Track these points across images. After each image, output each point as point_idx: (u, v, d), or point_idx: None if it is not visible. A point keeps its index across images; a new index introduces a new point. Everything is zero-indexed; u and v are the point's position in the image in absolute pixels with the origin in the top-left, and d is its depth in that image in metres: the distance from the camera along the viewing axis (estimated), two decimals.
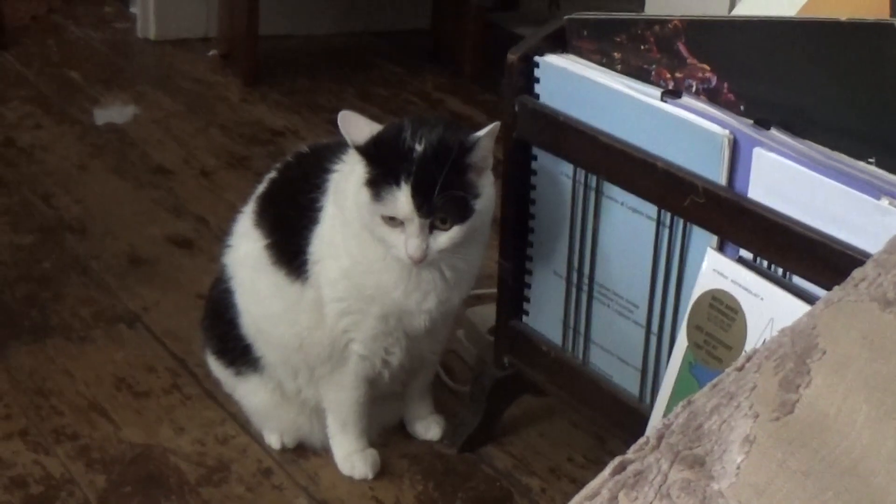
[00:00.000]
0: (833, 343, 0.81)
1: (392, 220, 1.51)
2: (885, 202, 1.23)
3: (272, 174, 1.73)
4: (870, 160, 1.28)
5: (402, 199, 1.49)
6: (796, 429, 0.78)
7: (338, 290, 1.63)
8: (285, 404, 1.77)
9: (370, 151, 1.53)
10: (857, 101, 1.29)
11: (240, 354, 1.75)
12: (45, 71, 3.20)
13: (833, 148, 1.31)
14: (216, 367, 1.81)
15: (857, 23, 1.27)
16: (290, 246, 1.65)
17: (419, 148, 1.52)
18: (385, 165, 1.51)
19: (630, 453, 0.84)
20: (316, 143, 1.75)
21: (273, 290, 1.66)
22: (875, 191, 1.24)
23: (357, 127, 1.54)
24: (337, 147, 1.65)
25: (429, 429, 1.86)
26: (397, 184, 1.49)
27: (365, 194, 1.52)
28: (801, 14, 1.47)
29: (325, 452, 1.79)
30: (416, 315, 1.65)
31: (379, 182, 1.51)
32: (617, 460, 0.84)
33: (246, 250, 1.70)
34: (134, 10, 3.53)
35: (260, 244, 1.67)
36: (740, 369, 0.86)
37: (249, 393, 1.78)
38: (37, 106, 2.98)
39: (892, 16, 1.38)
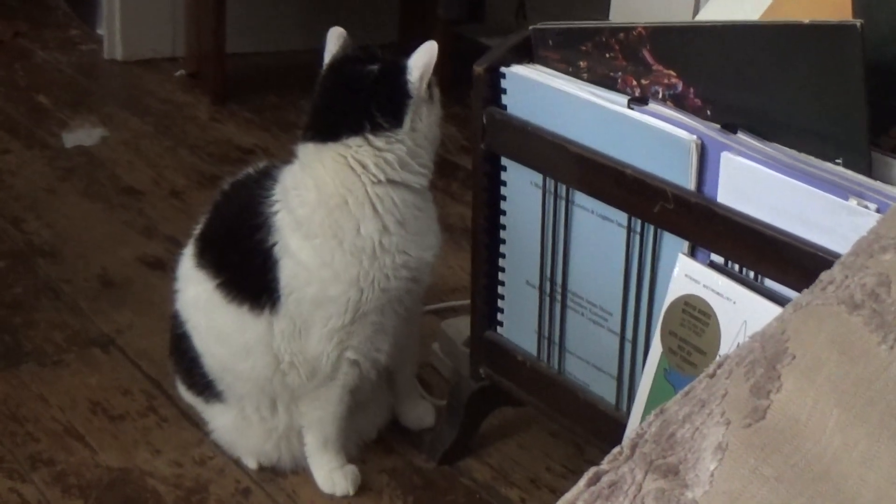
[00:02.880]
0: (802, 348, 0.81)
1: None
2: (853, 202, 1.23)
3: (207, 214, 1.76)
4: (837, 161, 1.29)
5: None
6: (768, 435, 0.78)
7: (339, 306, 1.64)
8: (251, 430, 1.77)
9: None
10: (822, 103, 1.29)
11: (206, 387, 1.78)
12: (12, 95, 3.19)
13: (800, 150, 1.32)
14: (187, 395, 1.84)
15: (819, 25, 1.28)
16: (248, 283, 1.67)
17: None
18: None
19: (604, 464, 0.84)
20: (237, 177, 1.77)
21: (237, 327, 1.68)
22: (843, 191, 1.24)
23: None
24: (263, 178, 1.70)
25: (422, 416, 1.90)
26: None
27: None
28: (764, 17, 1.48)
29: (301, 471, 1.78)
30: (426, 266, 1.70)
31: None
32: (591, 471, 0.84)
33: (195, 293, 1.72)
34: (100, 31, 3.53)
35: (209, 285, 1.69)
36: (712, 376, 0.86)
37: (219, 419, 1.80)
38: (5, 130, 2.97)
39: (854, 17, 1.38)
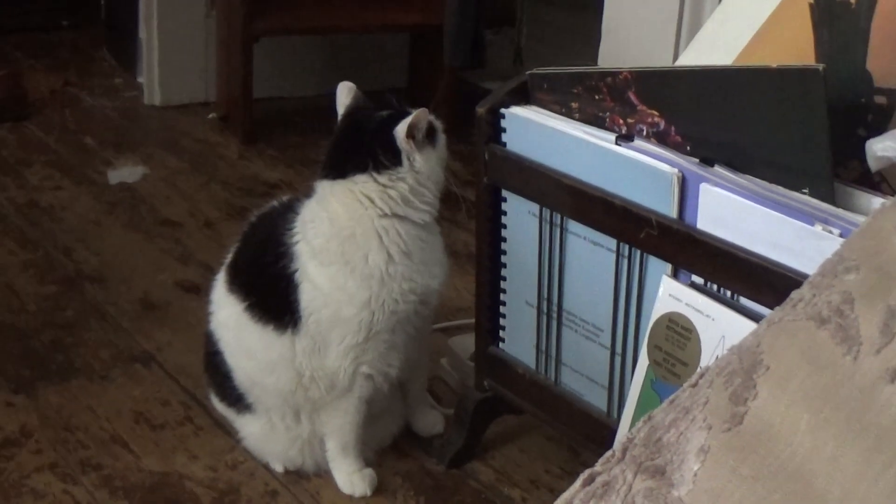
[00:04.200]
0: (776, 359, 0.81)
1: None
2: (818, 228, 1.23)
3: (236, 243, 1.77)
4: (804, 191, 1.29)
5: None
6: (745, 438, 0.78)
7: (352, 326, 1.64)
8: (277, 437, 1.77)
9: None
10: (789, 138, 1.29)
11: (237, 399, 1.77)
12: (63, 138, 3.20)
13: (771, 181, 1.31)
14: (220, 406, 1.84)
15: (786, 69, 1.28)
16: (273, 305, 1.67)
17: None
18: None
19: (598, 466, 0.84)
20: (263, 210, 1.78)
21: (264, 345, 1.68)
22: (809, 218, 1.24)
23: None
24: (286, 211, 1.71)
25: (433, 423, 1.89)
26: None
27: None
28: (737, 62, 1.48)
29: (324, 474, 1.78)
30: (432, 292, 1.69)
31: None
32: (586, 473, 0.84)
33: (226, 315, 1.73)
34: (141, 79, 3.54)
35: (238, 307, 1.69)
36: (694, 385, 0.86)
37: (248, 428, 1.79)
38: (56, 169, 2.97)
39: (817, 62, 1.39)
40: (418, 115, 1.62)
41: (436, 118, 1.68)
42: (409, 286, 1.65)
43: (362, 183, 1.63)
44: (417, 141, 1.63)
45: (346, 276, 1.63)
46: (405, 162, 1.63)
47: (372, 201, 1.63)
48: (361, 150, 1.64)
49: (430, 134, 1.66)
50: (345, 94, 1.70)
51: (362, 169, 1.63)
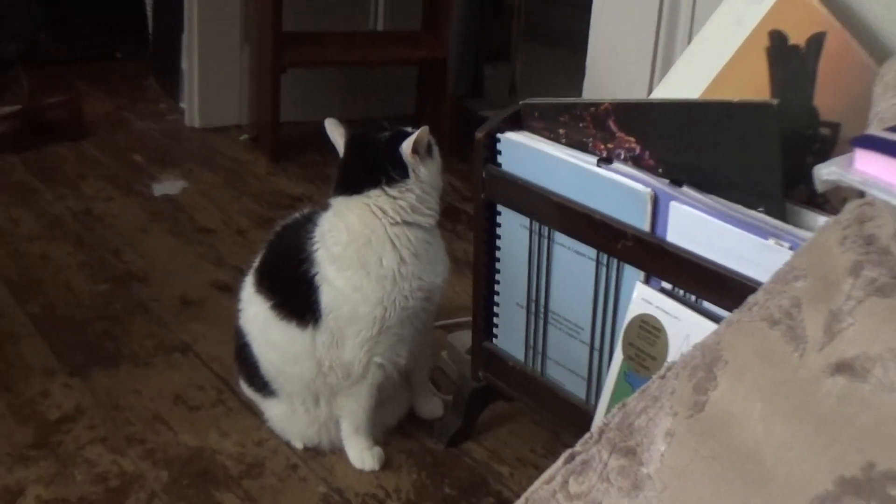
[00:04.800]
0: (734, 355, 0.81)
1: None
2: (771, 242, 1.23)
3: (262, 250, 1.76)
4: (759, 209, 1.29)
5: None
6: (706, 424, 0.78)
7: (367, 321, 1.64)
8: (298, 419, 1.77)
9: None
10: (747, 164, 1.30)
11: (263, 385, 1.77)
12: (115, 155, 3.20)
13: (731, 201, 1.31)
14: (248, 391, 1.83)
15: (745, 103, 1.29)
16: (296, 305, 1.66)
17: None
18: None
19: (578, 446, 0.84)
20: (286, 221, 1.77)
21: (287, 339, 1.68)
22: (764, 233, 1.24)
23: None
24: (307, 222, 1.71)
25: (434, 408, 1.89)
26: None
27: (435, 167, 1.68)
28: (703, 96, 1.48)
29: (339, 451, 1.78)
30: (437, 289, 1.69)
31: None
32: (567, 452, 0.84)
33: (254, 312, 1.72)
34: (182, 104, 3.54)
35: (265, 306, 1.69)
36: (663, 377, 0.86)
37: (273, 410, 1.80)
38: (108, 182, 2.97)
39: (771, 97, 1.39)
40: (422, 133, 1.62)
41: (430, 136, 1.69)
42: (417, 284, 1.65)
43: (375, 196, 1.63)
44: (421, 155, 1.64)
45: (362, 278, 1.63)
46: (411, 174, 1.63)
47: (384, 212, 1.63)
48: (373, 167, 1.64)
49: (428, 148, 1.67)
50: (334, 126, 1.69)
51: (375, 184, 1.63)
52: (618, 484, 0.78)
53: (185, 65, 3.49)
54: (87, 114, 3.43)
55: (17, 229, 2.62)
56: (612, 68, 1.87)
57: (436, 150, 1.69)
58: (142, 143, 3.33)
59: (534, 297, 1.63)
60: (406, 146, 1.62)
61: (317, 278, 1.65)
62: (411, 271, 1.64)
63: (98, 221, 2.70)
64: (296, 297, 1.67)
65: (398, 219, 1.64)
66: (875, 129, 0.88)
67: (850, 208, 0.86)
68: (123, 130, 3.44)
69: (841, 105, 1.35)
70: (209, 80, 3.44)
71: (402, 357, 1.72)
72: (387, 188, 1.63)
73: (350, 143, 1.68)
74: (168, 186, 2.97)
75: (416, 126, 1.66)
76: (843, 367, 0.75)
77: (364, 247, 1.63)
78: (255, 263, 1.77)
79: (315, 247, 1.66)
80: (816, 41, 1.37)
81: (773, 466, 0.73)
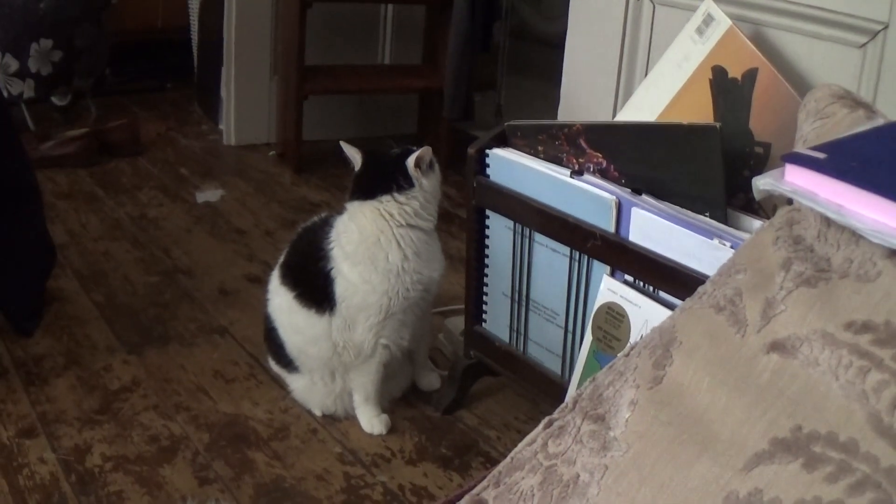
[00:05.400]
0: (686, 336, 0.81)
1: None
2: (716, 242, 1.23)
3: (286, 248, 1.76)
4: (706, 214, 1.29)
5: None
6: (664, 394, 0.78)
7: (374, 308, 1.64)
8: (317, 391, 1.77)
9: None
10: (695, 176, 1.30)
11: (288, 363, 1.77)
12: (164, 168, 3.19)
13: (682, 207, 1.32)
14: (275, 367, 1.83)
15: (693, 125, 1.29)
16: (315, 295, 1.66)
17: None
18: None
19: (555, 414, 0.84)
20: (306, 224, 1.77)
21: (308, 324, 1.68)
22: (710, 234, 1.25)
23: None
24: (324, 225, 1.70)
25: (432, 382, 1.88)
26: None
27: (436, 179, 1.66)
28: (659, 118, 1.48)
29: (352, 418, 1.78)
30: (434, 282, 1.68)
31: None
32: (546, 419, 0.84)
33: (280, 301, 1.72)
34: (221, 126, 3.53)
35: (289, 296, 1.69)
36: (627, 356, 0.86)
37: (296, 383, 1.79)
38: (159, 191, 2.97)
39: (715, 120, 1.39)
40: (423, 151, 1.63)
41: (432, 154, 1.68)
42: (417, 277, 1.65)
43: (386, 202, 1.63)
44: (423, 169, 1.63)
45: (371, 272, 1.63)
46: (416, 184, 1.63)
47: (392, 215, 1.63)
48: (385, 177, 1.64)
49: (430, 163, 1.67)
50: (347, 146, 1.68)
51: (387, 191, 1.63)
52: (589, 445, 0.78)
53: (223, 93, 3.48)
54: (143, 135, 3.42)
55: (85, 231, 2.62)
56: (582, 95, 1.87)
57: (436, 165, 1.69)
58: (187, 159, 3.32)
59: (517, 287, 1.63)
60: (410, 161, 1.62)
61: (332, 272, 1.64)
62: (413, 267, 1.64)
63: (151, 224, 2.70)
64: (315, 289, 1.66)
65: (403, 221, 1.64)
66: (800, 148, 0.89)
67: (781, 213, 0.87)
68: (172, 148, 3.43)
69: (771, 128, 1.36)
70: (243, 105, 3.44)
71: (405, 339, 1.72)
72: (396, 195, 1.63)
73: (367, 158, 1.67)
74: (209, 195, 2.96)
75: (419, 144, 1.66)
76: (776, 346, 0.75)
77: (374, 245, 1.63)
78: (281, 259, 1.77)
79: (331, 245, 1.66)
80: (751, 75, 1.37)
81: (719, 429, 0.73)
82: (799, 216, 0.84)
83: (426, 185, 1.65)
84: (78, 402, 1.78)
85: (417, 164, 1.62)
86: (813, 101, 0.94)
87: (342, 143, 1.69)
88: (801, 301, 0.76)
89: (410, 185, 1.63)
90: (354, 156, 1.68)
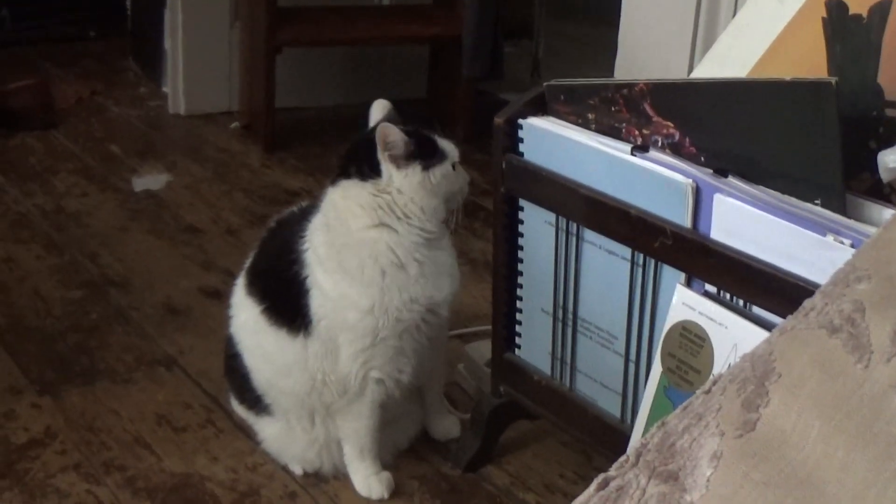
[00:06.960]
0: (788, 367, 0.81)
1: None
2: (829, 238, 1.23)
3: (255, 249, 1.78)
4: (816, 202, 1.29)
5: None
6: (757, 444, 0.78)
7: (358, 330, 1.64)
8: (295, 440, 1.78)
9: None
10: (802, 150, 1.29)
11: (256, 401, 1.78)
12: (88, 146, 3.22)
13: (783, 192, 1.31)
14: (240, 409, 1.85)
15: (799, 81, 1.28)
16: (286, 309, 1.67)
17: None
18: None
19: (612, 470, 0.84)
20: (282, 215, 1.79)
21: (277, 347, 1.69)
22: (821, 229, 1.24)
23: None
24: (302, 218, 1.72)
25: (449, 429, 1.89)
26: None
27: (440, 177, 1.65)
28: (750, 75, 1.48)
29: (342, 476, 1.78)
30: (441, 303, 1.69)
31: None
32: (601, 477, 0.84)
33: (245, 318, 1.74)
34: (165, 89, 3.56)
35: (255, 310, 1.70)
36: (707, 392, 0.85)
37: (267, 430, 1.80)
38: (82, 176, 2.99)
39: (829, 75, 1.39)
40: (381, 131, 1.61)
41: (449, 145, 1.67)
42: (408, 296, 1.65)
43: (351, 188, 1.63)
44: (395, 157, 1.62)
45: (347, 283, 1.63)
46: (384, 174, 1.63)
47: (363, 208, 1.63)
48: (349, 157, 1.66)
49: (427, 156, 1.64)
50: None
51: (347, 175, 1.64)
52: None
53: (167, 44, 3.50)
54: (57, 100, 3.44)
55: None
56: (648, 44, 1.87)
57: (441, 168, 1.65)
58: (120, 133, 3.34)
59: (561, 302, 1.63)
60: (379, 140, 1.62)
61: (307, 281, 1.65)
62: (397, 283, 1.64)
63: (71, 220, 2.72)
64: (286, 302, 1.67)
65: (375, 220, 1.62)
66: None
67: None
68: (99, 118, 3.45)
69: None
70: (195, 61, 3.45)
71: (406, 372, 1.72)
72: (360, 181, 1.63)
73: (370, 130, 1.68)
74: (150, 181, 2.98)
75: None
76: None
77: (343, 249, 1.63)
78: (247, 263, 1.77)
79: (305, 246, 1.67)
80: (881, 10, 1.36)
81: (835, 493, 0.72)
82: None
83: (398, 182, 1.63)
84: None
85: (386, 150, 1.61)
86: None
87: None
88: None
89: (378, 173, 1.63)
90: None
